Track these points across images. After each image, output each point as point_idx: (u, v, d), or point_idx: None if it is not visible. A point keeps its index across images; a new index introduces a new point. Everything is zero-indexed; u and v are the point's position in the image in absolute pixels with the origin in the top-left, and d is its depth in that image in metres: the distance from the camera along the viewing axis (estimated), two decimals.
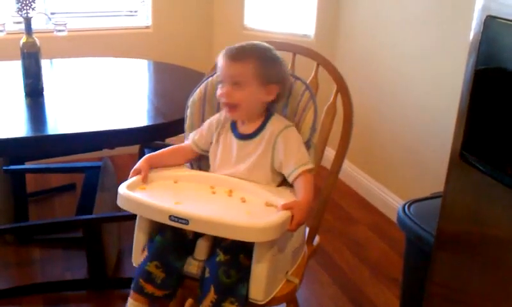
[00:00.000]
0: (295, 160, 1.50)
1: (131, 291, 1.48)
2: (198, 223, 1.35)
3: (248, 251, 1.41)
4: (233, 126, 1.59)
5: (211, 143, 1.62)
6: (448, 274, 1.56)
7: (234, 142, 1.57)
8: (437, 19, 2.48)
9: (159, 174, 1.56)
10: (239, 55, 1.50)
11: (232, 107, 1.53)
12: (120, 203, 1.44)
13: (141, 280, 1.46)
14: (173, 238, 1.47)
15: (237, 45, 1.54)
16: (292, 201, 1.43)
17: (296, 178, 1.50)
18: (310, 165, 1.51)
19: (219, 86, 1.55)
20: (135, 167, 1.54)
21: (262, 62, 1.51)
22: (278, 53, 1.57)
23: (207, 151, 1.64)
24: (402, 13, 2.70)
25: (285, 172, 1.53)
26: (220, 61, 1.53)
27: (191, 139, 1.64)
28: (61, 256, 2.45)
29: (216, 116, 1.63)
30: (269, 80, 1.51)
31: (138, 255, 1.51)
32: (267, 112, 1.58)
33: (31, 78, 2.15)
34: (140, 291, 1.46)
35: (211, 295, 1.39)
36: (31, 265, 2.41)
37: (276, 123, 1.55)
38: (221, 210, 1.42)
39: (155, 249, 1.46)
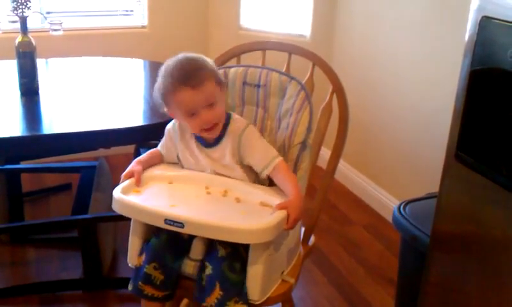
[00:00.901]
0: (262, 157, 1.50)
1: (142, 301, 1.49)
2: (193, 226, 1.35)
3: (247, 244, 1.40)
4: (197, 136, 1.56)
5: (177, 155, 1.61)
6: (443, 274, 1.57)
7: (202, 150, 1.56)
8: (432, 19, 2.48)
9: (153, 175, 1.56)
10: (200, 78, 1.43)
11: (213, 127, 1.49)
12: (114, 207, 1.44)
13: (140, 283, 1.46)
14: (169, 240, 1.47)
15: (184, 68, 1.44)
16: (285, 200, 1.43)
17: (270, 173, 1.50)
18: (278, 159, 1.50)
19: (190, 118, 1.47)
20: (126, 170, 1.53)
21: (213, 71, 1.47)
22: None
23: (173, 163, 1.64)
24: (398, 13, 2.71)
25: (256, 170, 1.53)
26: (181, 93, 1.43)
27: (160, 149, 1.64)
28: (56, 256, 2.45)
29: (169, 127, 1.61)
30: (222, 81, 1.51)
31: (134, 256, 1.51)
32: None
33: (26, 77, 2.15)
34: (140, 294, 1.47)
35: (217, 292, 1.39)
36: (26, 265, 2.40)
37: (236, 123, 1.54)
38: (217, 211, 1.42)
39: (151, 251, 1.47)
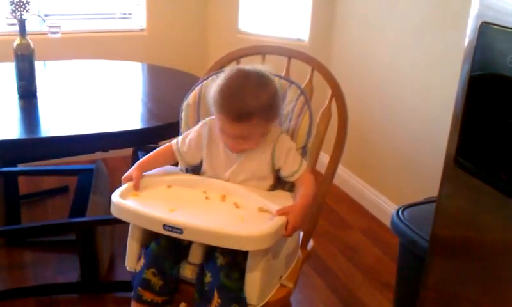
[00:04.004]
0: (292, 163, 1.52)
1: (132, 301, 1.48)
2: (192, 232, 1.34)
3: (246, 252, 1.40)
4: None
5: (201, 158, 1.60)
6: (441, 279, 1.57)
7: (228, 153, 1.55)
8: (432, 25, 2.49)
9: (152, 179, 1.55)
10: (244, 116, 1.42)
11: (235, 150, 1.52)
12: (113, 211, 1.43)
13: (139, 288, 1.45)
14: (168, 245, 1.47)
15: (233, 95, 1.43)
16: (287, 206, 1.43)
17: (296, 179, 1.53)
18: (303, 169, 1.52)
19: (222, 133, 1.50)
20: (126, 174, 1.53)
21: (265, 114, 1.45)
22: (268, 73, 1.51)
23: (192, 166, 1.63)
24: (397, 18, 2.71)
25: (284, 174, 1.54)
26: (219, 114, 1.46)
27: (175, 148, 1.60)
28: (53, 259, 2.44)
29: (200, 129, 1.59)
30: (272, 119, 1.50)
31: (132, 260, 1.51)
32: None
33: (25, 80, 2.14)
34: (139, 299, 1.46)
35: (215, 300, 1.39)
36: (23, 268, 2.39)
37: (271, 132, 1.54)
38: (215, 217, 1.41)
39: (151, 257, 1.46)
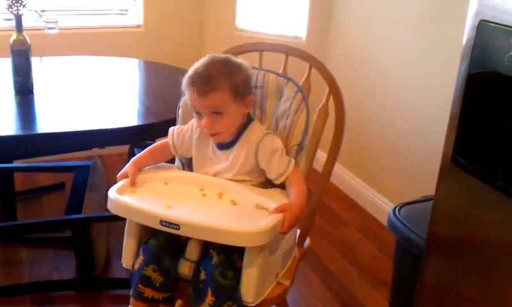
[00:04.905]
0: (277, 166, 1.50)
1: (131, 299, 1.48)
2: (189, 228, 1.34)
3: (241, 251, 1.40)
4: None
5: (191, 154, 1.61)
6: (438, 277, 1.57)
7: (216, 151, 1.56)
8: (429, 23, 2.49)
9: (149, 175, 1.55)
10: (209, 85, 1.43)
11: (215, 134, 1.51)
12: (110, 207, 1.43)
13: (139, 285, 1.45)
14: (167, 241, 1.46)
15: (199, 70, 1.46)
16: (284, 203, 1.42)
17: (284, 181, 1.51)
18: (291, 167, 1.51)
19: (195, 115, 1.51)
20: (122, 171, 1.53)
21: (233, 82, 1.46)
22: (241, 61, 1.52)
23: (186, 158, 1.63)
24: (395, 16, 2.71)
25: (270, 177, 1.53)
26: (189, 92, 1.48)
27: (171, 142, 1.62)
28: (49, 256, 2.43)
29: (193, 122, 1.60)
30: (245, 94, 1.50)
31: (128, 257, 1.50)
32: (246, 119, 1.56)
33: (21, 76, 2.13)
34: (140, 296, 1.45)
35: (209, 298, 1.39)
36: (19, 265, 2.39)
37: (255, 130, 1.54)
38: (212, 213, 1.41)
39: (150, 253, 1.45)
